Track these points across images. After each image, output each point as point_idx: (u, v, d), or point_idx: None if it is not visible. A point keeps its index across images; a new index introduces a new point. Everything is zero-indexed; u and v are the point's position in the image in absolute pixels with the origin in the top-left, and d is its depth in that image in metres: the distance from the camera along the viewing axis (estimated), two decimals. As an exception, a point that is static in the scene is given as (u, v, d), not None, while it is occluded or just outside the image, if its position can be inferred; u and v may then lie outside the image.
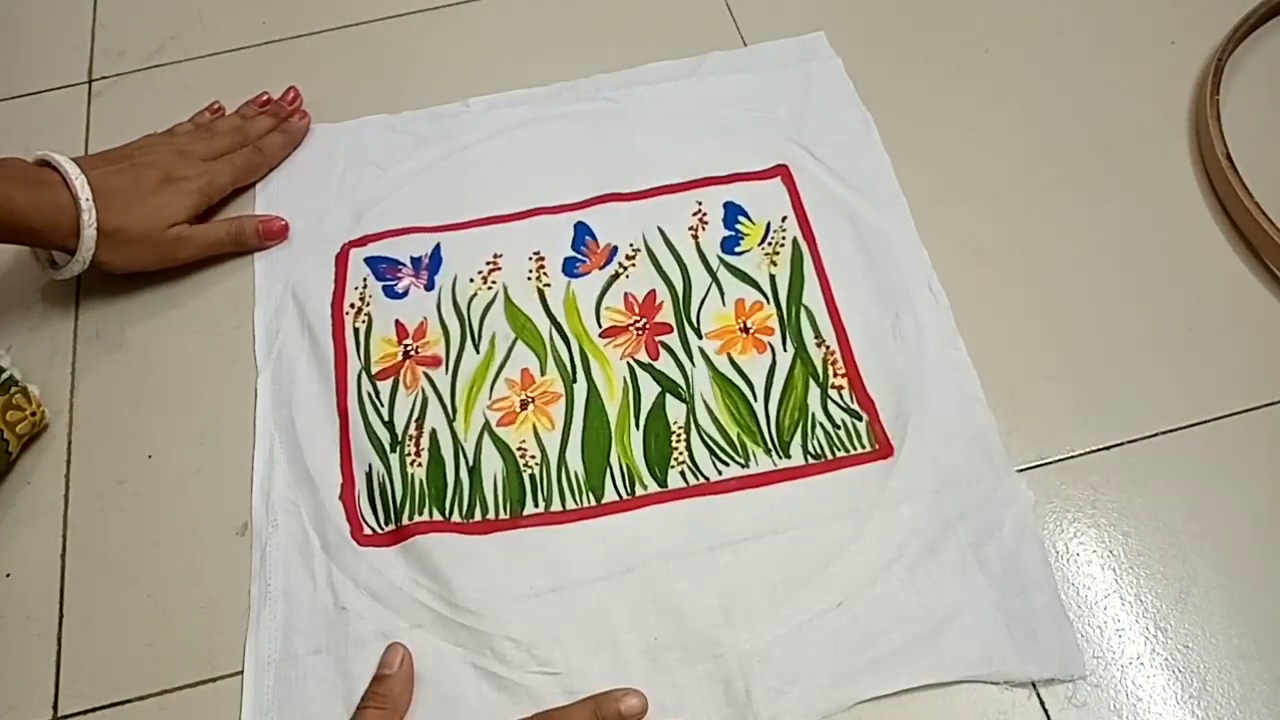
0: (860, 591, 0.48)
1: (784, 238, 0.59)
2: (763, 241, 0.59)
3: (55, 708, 0.47)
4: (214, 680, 0.47)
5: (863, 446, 0.52)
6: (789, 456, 0.51)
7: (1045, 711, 0.44)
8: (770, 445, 0.52)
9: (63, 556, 0.51)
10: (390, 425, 0.53)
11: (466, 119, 0.65)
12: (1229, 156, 0.58)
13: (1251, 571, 0.48)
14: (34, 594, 0.50)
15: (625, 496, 0.51)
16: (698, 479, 0.51)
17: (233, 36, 0.71)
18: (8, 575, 0.50)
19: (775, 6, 0.69)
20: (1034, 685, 0.45)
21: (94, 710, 0.46)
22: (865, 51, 0.67)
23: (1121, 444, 0.51)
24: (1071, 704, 0.45)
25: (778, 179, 0.61)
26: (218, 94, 0.68)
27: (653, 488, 0.51)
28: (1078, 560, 0.48)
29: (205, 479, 0.52)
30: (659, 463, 0.52)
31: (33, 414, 0.52)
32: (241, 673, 0.47)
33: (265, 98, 0.66)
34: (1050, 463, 0.51)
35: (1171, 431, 0.52)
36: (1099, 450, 0.51)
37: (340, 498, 0.51)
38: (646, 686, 0.45)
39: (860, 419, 0.52)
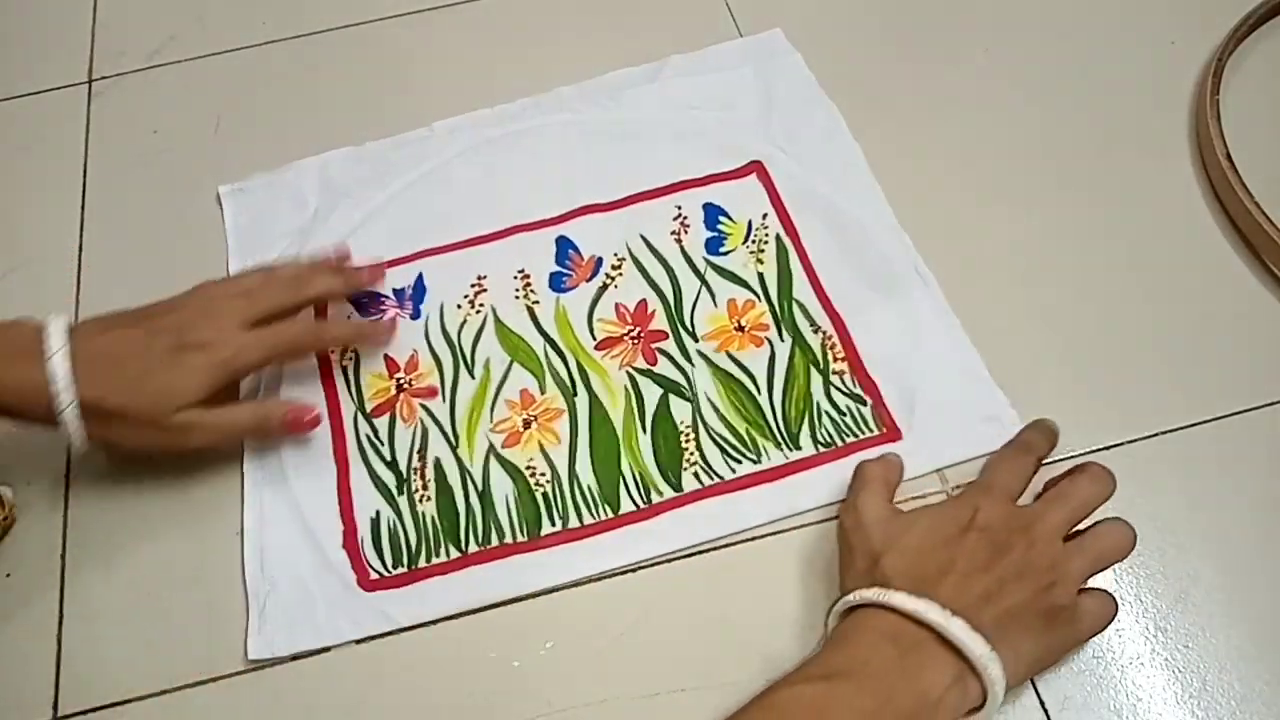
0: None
1: (767, 235, 0.59)
2: (746, 240, 0.59)
3: (55, 708, 0.46)
4: (214, 680, 0.47)
5: (870, 431, 0.52)
6: (800, 448, 0.52)
7: (1045, 711, 0.44)
8: (780, 439, 0.52)
9: (63, 557, 0.51)
10: (394, 464, 0.52)
11: (433, 143, 0.64)
12: (1229, 156, 0.58)
13: (1251, 571, 0.48)
14: (34, 594, 0.50)
15: (642, 506, 0.50)
16: (712, 479, 0.51)
17: (233, 36, 0.71)
18: (8, 575, 0.50)
19: (766, 6, 0.69)
20: (1034, 686, 0.45)
21: (94, 710, 0.46)
22: (867, 51, 0.67)
23: (1121, 444, 0.51)
24: (1071, 704, 0.45)
25: (753, 176, 0.61)
26: (218, 94, 0.68)
27: (668, 493, 0.51)
28: (1078, 560, 0.48)
29: (205, 479, 0.52)
30: (671, 466, 0.51)
31: (4, 517, 0.51)
32: (240, 673, 0.47)
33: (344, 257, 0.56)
34: (1050, 463, 0.50)
35: (1171, 431, 0.52)
36: (1099, 450, 0.51)
37: (343, 545, 0.50)
38: None
39: (865, 404, 0.53)
